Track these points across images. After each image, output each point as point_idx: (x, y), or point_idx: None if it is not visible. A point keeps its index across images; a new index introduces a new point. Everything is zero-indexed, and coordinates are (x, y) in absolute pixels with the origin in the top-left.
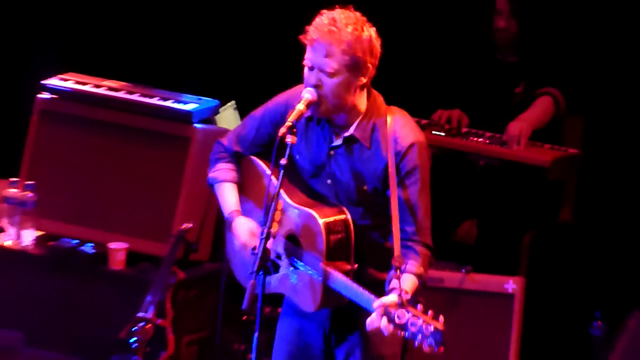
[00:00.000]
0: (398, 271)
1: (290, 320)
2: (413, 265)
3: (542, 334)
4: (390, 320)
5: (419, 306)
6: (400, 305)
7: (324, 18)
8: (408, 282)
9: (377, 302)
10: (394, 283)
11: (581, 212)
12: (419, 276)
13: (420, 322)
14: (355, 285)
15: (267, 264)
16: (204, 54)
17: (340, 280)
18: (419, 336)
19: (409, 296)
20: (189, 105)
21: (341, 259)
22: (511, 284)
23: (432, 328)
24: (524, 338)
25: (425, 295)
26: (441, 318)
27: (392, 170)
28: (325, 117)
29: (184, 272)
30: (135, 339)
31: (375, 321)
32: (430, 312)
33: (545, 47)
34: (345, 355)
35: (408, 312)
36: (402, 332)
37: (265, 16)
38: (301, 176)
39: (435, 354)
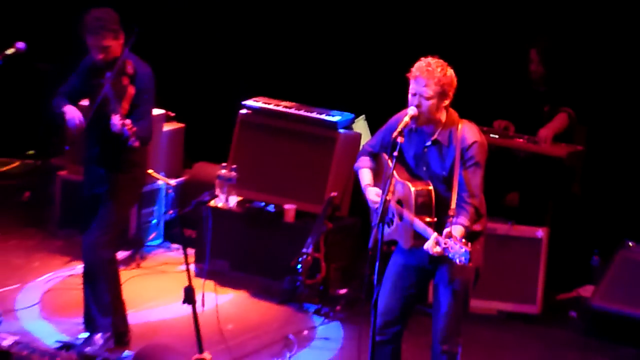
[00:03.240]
0: (451, 218)
1: (400, 256)
2: (463, 219)
3: (560, 265)
4: (439, 245)
5: (459, 237)
6: (446, 237)
7: (422, 62)
8: (457, 229)
9: (433, 235)
10: (447, 226)
11: (586, 186)
12: (466, 227)
13: (457, 246)
14: (427, 228)
15: (385, 219)
16: (348, 83)
17: (419, 225)
18: (455, 255)
19: (454, 234)
20: (335, 117)
21: (425, 214)
22: (540, 232)
23: (463, 250)
24: (548, 267)
25: (485, 239)
26: (469, 244)
27: (457, 157)
28: (421, 127)
29: (332, 223)
30: (300, 265)
31: (428, 243)
32: (463, 240)
33: (563, 82)
34: (438, 279)
35: (450, 240)
36: (446, 253)
37: (386, 61)
38: (409, 166)
39: (466, 265)
